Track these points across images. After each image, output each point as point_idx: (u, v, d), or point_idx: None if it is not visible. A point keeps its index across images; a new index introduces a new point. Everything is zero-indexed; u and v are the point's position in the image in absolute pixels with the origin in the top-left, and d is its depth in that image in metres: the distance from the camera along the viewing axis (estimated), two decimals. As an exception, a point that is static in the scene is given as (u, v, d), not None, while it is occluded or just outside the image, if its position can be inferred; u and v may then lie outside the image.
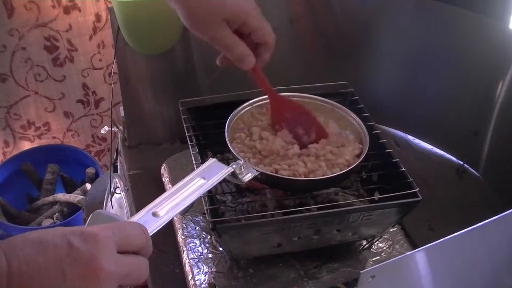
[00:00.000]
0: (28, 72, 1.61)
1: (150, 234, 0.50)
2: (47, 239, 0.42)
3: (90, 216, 0.48)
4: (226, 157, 0.86)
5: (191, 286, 0.79)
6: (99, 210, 0.49)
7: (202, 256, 0.83)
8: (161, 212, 0.53)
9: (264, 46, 0.72)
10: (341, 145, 0.78)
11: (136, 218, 0.51)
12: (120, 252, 0.45)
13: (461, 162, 1.02)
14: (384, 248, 0.85)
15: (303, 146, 0.78)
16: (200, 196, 0.60)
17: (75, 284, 0.41)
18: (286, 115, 0.80)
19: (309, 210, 0.75)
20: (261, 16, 0.71)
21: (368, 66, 1.09)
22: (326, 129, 0.80)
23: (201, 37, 0.69)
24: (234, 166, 0.65)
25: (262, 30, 0.71)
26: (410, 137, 1.08)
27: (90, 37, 1.62)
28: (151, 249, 0.49)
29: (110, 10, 0.99)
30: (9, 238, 0.42)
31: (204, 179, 0.60)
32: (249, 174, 0.68)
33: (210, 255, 0.83)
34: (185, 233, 0.87)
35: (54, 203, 1.73)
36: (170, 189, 0.56)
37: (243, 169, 0.67)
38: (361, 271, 0.48)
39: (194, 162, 0.77)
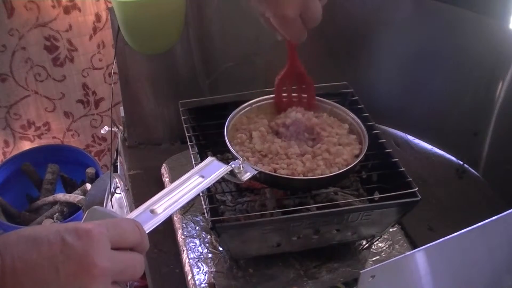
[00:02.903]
0: (28, 72, 1.61)
1: (147, 231, 0.50)
2: (41, 236, 0.42)
3: (87, 212, 0.48)
4: (226, 157, 0.86)
5: (191, 285, 0.79)
6: (95, 207, 0.48)
7: (202, 256, 0.83)
8: (159, 209, 0.53)
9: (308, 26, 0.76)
10: (340, 144, 0.78)
11: (134, 215, 0.51)
12: (115, 249, 0.45)
13: (461, 162, 1.02)
14: (384, 248, 0.85)
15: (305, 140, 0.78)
16: (199, 195, 0.60)
17: (68, 281, 0.41)
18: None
19: (308, 209, 0.75)
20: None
21: (368, 66, 1.09)
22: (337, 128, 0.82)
23: (266, 12, 0.73)
24: (232, 165, 0.65)
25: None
26: (410, 137, 1.08)
27: (90, 37, 1.62)
28: (147, 246, 0.49)
29: (110, 10, 0.99)
30: (3, 235, 0.42)
31: (203, 177, 0.60)
32: (248, 173, 0.68)
33: (210, 255, 0.83)
34: (185, 233, 0.87)
35: (54, 203, 1.73)
36: (168, 187, 0.56)
37: (241, 168, 0.67)
38: (361, 271, 0.48)
39: (193, 162, 0.77)
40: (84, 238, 0.42)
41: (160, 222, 0.52)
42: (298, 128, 0.80)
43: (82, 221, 0.48)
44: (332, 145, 0.77)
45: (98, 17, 1.60)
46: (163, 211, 0.53)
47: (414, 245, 0.86)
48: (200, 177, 0.59)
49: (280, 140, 0.78)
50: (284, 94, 0.85)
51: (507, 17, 0.92)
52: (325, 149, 0.76)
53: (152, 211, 0.52)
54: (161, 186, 0.97)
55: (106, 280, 0.43)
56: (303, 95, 0.85)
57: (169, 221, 0.90)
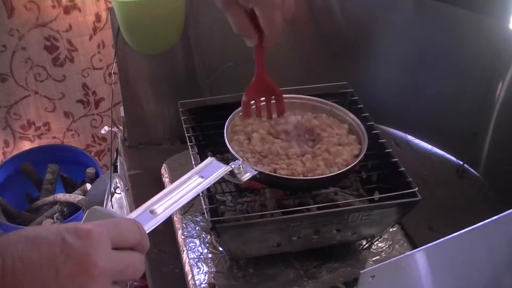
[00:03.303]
0: (28, 72, 1.61)
1: (147, 231, 0.50)
2: (41, 236, 0.42)
3: (87, 212, 0.48)
4: (226, 158, 0.86)
5: (191, 286, 0.79)
6: (95, 207, 0.48)
7: (202, 256, 0.83)
8: (159, 210, 0.53)
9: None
10: (340, 144, 0.79)
11: (134, 215, 0.51)
12: (115, 249, 0.45)
13: (461, 162, 1.02)
14: (384, 248, 0.85)
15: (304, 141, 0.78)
16: (198, 195, 0.59)
17: (67, 281, 0.41)
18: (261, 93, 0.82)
19: (308, 210, 0.75)
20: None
21: (368, 66, 1.09)
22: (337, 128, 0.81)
23: (250, 2, 0.72)
24: (232, 165, 0.65)
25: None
26: (410, 137, 1.08)
27: (90, 37, 1.62)
28: (147, 245, 0.49)
29: (110, 10, 0.99)
30: (4, 235, 0.42)
31: (202, 177, 0.60)
32: (248, 174, 0.68)
33: (210, 255, 0.83)
34: (185, 233, 0.87)
35: (54, 203, 1.73)
36: (168, 187, 0.56)
37: (241, 169, 0.67)
38: (361, 271, 0.48)
39: (193, 162, 0.77)
40: (84, 238, 0.42)
41: (160, 222, 0.52)
42: (299, 130, 0.80)
43: (82, 221, 0.48)
44: (332, 145, 0.77)
45: (98, 17, 1.60)
46: (163, 211, 0.53)
47: (414, 245, 0.86)
48: (200, 178, 0.59)
49: (280, 141, 0.78)
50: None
51: (507, 17, 0.92)
52: (325, 149, 0.76)
53: (152, 212, 0.52)
54: (161, 186, 0.97)
55: (106, 280, 0.43)
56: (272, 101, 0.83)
57: (169, 221, 0.90)
